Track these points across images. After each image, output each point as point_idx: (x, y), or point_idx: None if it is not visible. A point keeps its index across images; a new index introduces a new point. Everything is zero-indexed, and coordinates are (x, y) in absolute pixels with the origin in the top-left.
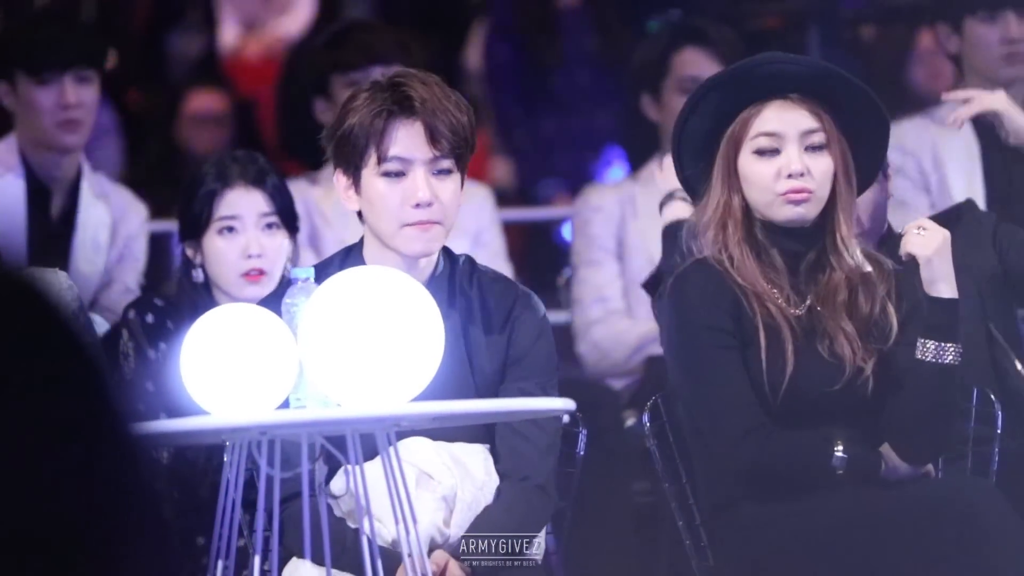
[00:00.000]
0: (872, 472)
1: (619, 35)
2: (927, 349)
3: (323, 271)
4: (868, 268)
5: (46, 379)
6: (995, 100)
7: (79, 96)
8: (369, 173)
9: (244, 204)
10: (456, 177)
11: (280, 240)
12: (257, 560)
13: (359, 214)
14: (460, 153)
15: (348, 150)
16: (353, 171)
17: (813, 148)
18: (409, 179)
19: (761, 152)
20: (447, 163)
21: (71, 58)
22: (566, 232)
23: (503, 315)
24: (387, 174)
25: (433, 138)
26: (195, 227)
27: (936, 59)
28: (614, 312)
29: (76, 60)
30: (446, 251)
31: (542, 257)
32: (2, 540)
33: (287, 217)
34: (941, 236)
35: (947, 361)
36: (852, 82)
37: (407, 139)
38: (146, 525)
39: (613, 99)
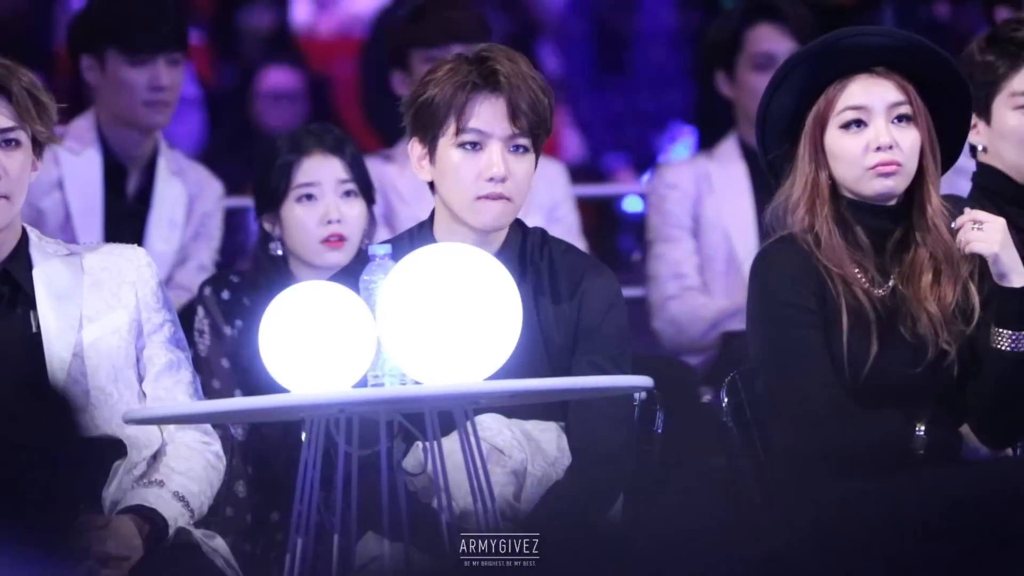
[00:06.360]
0: (953, 452)
1: (693, 11)
2: (1003, 338)
3: (395, 248)
4: (954, 246)
5: None
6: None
7: (171, 78)
8: (446, 143)
9: (322, 171)
10: (531, 157)
11: (359, 208)
12: (336, 538)
13: (431, 185)
14: (537, 134)
15: (427, 119)
16: (430, 140)
17: (900, 120)
18: (485, 152)
19: (847, 126)
20: (524, 141)
21: (165, 41)
22: (627, 204)
23: (573, 286)
24: (463, 145)
25: (514, 115)
26: (273, 199)
27: None
28: (690, 288)
29: (169, 43)
30: (518, 223)
31: (608, 231)
32: None
33: (364, 186)
34: (1000, 227)
35: (1023, 349)
36: (939, 54)
37: (488, 113)
38: None
39: (684, 77)
